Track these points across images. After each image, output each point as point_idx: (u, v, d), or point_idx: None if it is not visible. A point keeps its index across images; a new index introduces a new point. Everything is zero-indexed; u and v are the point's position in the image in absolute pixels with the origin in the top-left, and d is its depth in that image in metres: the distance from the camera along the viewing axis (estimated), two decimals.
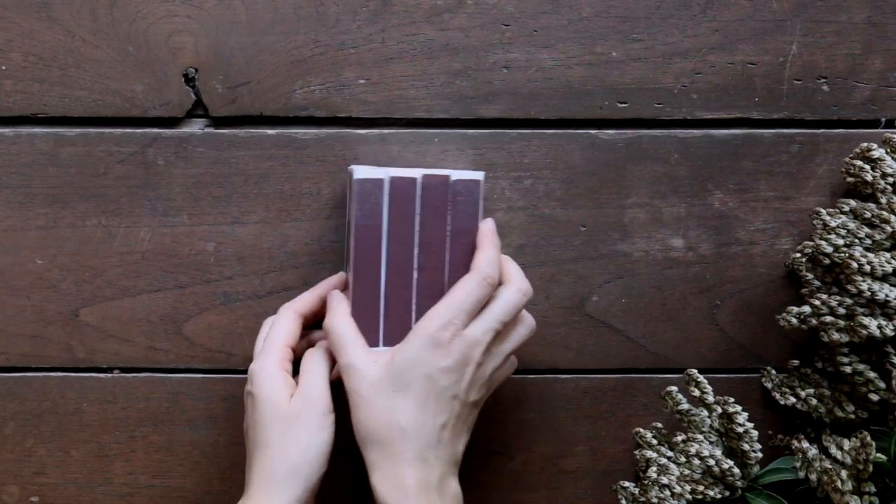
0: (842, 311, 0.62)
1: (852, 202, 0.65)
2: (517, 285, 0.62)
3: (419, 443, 0.57)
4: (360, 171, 0.63)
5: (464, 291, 0.60)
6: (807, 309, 0.64)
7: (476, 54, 0.68)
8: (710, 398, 0.65)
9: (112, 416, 0.71)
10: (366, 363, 0.59)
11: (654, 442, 0.68)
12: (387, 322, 0.64)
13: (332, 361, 0.63)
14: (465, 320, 0.59)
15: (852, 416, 0.65)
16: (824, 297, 0.63)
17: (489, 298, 0.61)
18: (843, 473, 0.59)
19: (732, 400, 0.64)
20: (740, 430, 0.63)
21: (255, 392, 0.60)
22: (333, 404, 0.61)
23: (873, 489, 0.58)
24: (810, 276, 0.65)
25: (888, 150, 0.65)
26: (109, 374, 0.71)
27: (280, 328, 0.63)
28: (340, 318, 0.62)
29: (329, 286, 0.66)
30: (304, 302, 0.66)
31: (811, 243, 0.65)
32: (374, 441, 0.57)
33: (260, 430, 0.59)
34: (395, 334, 0.63)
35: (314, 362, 0.62)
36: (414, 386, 0.57)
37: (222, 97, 0.69)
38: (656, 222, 0.70)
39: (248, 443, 0.61)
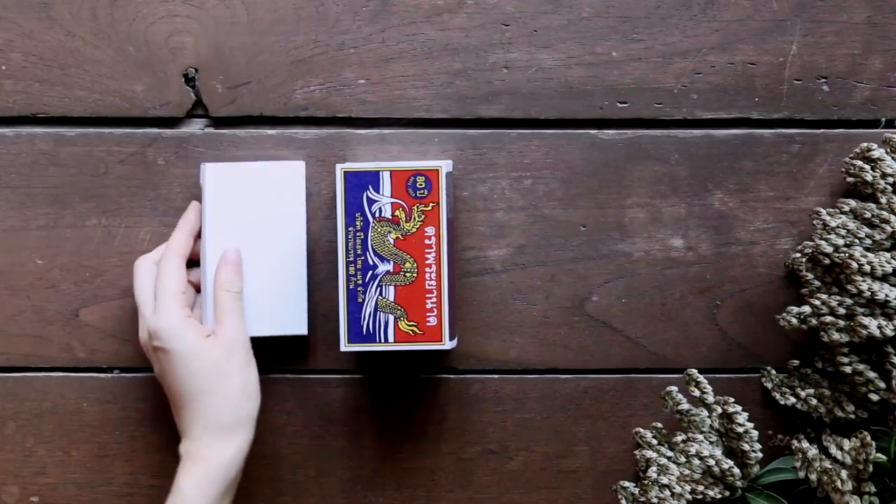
0: (842, 311, 0.62)
1: (852, 202, 0.65)
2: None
3: None
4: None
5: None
6: (807, 309, 0.64)
7: (476, 54, 0.68)
8: (710, 398, 0.65)
9: (112, 416, 0.71)
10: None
11: (654, 442, 0.68)
12: None
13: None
14: None
15: (852, 416, 0.65)
16: (824, 297, 0.63)
17: None
18: (843, 473, 0.59)
19: (732, 400, 0.64)
20: (740, 430, 0.63)
21: (170, 347, 0.62)
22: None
23: (873, 489, 0.58)
24: (810, 276, 0.65)
25: (888, 150, 0.65)
26: (109, 374, 0.71)
27: (171, 277, 0.64)
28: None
29: (192, 220, 0.67)
30: (180, 243, 0.66)
31: (811, 243, 0.65)
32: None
33: (189, 382, 0.62)
34: None
35: (228, 299, 0.64)
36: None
37: (222, 97, 0.69)
38: (656, 222, 0.70)
39: (174, 395, 0.63)
